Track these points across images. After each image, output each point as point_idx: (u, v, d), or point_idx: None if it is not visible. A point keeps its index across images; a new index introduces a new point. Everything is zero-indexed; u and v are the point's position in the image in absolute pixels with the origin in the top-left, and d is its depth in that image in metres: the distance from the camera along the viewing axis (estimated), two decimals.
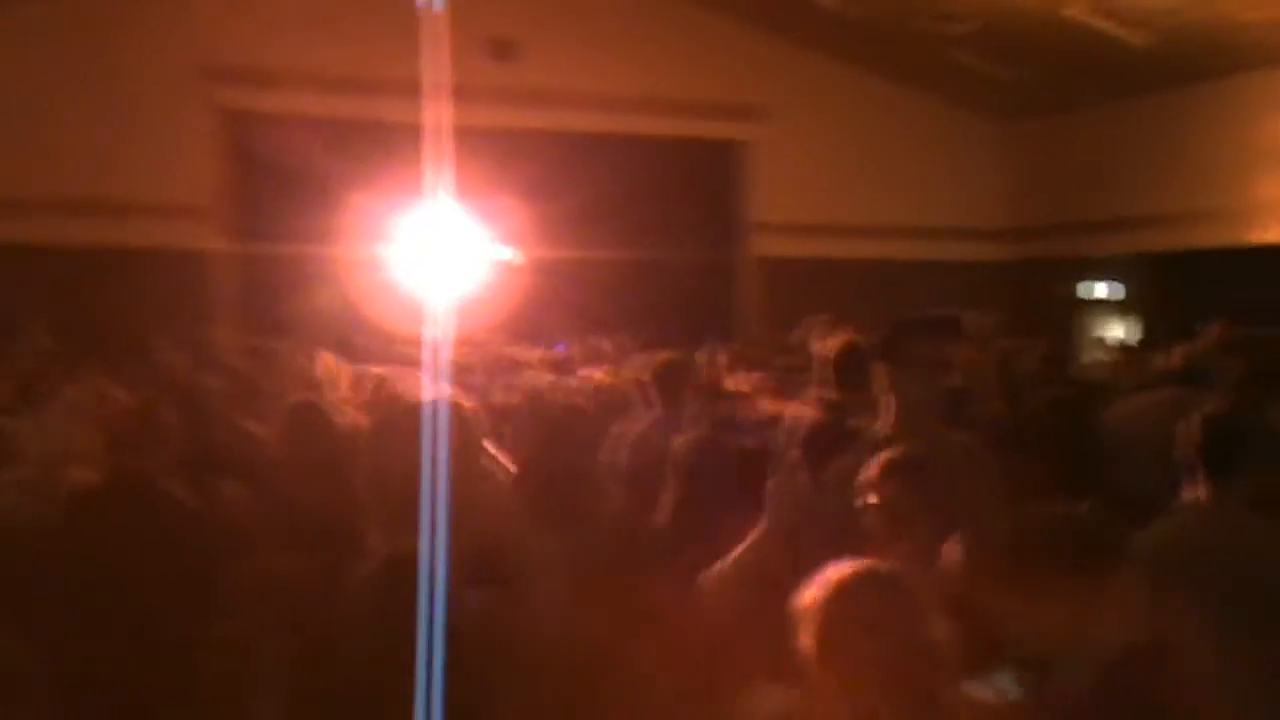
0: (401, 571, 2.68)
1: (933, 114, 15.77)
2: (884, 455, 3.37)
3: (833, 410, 4.65)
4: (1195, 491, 3.57)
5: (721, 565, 3.43)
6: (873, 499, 3.22)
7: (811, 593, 2.29)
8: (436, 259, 12.22)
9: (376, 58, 11.89)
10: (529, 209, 12.72)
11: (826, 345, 5.68)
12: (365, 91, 12.55)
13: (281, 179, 12.22)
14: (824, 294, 14.50)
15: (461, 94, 11.85)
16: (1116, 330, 14.57)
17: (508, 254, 13.14)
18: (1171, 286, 13.96)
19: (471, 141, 11.84)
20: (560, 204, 12.67)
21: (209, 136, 12.92)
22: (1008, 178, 15.90)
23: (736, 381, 7.21)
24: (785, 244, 15.15)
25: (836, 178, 15.28)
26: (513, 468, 4.33)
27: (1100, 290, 15.27)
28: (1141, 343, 12.33)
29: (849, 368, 5.11)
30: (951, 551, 2.46)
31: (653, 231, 14.59)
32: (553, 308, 12.96)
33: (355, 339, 10.63)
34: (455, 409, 3.94)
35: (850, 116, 15.35)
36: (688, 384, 5.78)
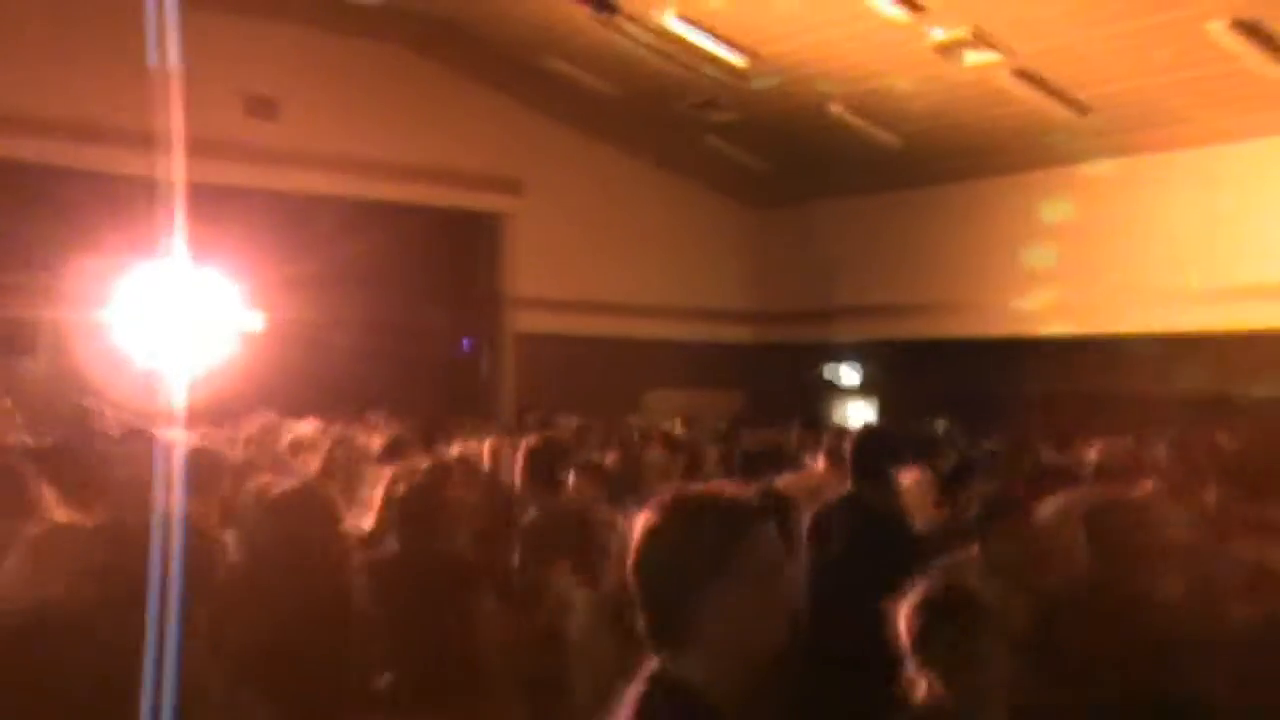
0: None
1: (687, 197, 16.13)
2: None
3: None
4: None
5: None
6: None
7: None
8: (173, 323, 11.48)
9: (116, 104, 11.12)
10: (283, 273, 12.14)
11: None
12: (99, 141, 11.66)
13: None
14: (576, 370, 14.57)
15: (213, 150, 11.40)
16: (854, 412, 15.18)
17: (254, 319, 12.46)
18: (904, 372, 14.70)
19: (223, 201, 11.36)
20: (316, 269, 12.15)
21: None
22: (756, 263, 16.41)
23: None
24: (540, 319, 15.07)
25: (591, 255, 15.35)
26: None
27: (839, 374, 15.90)
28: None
29: None
30: None
31: (411, 299, 14.26)
32: (301, 377, 12.37)
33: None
34: None
35: (607, 195, 15.50)
36: None
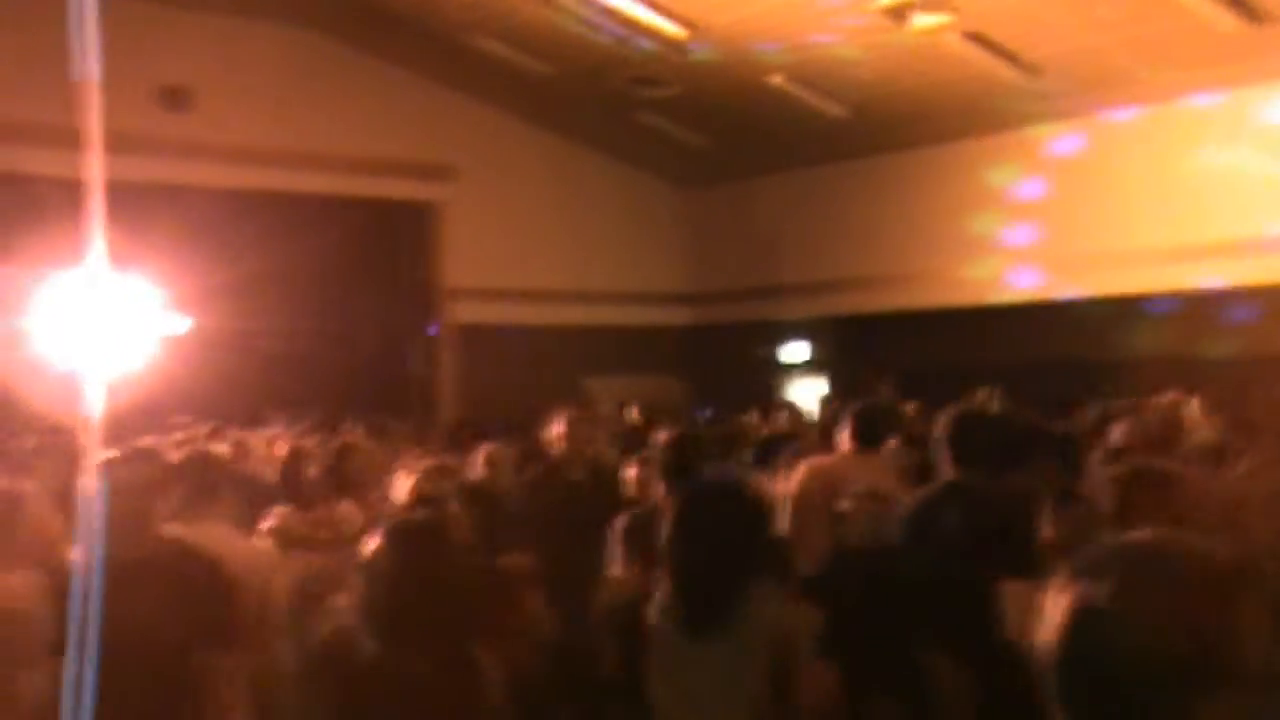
0: None
1: (624, 178, 15.72)
2: None
3: None
4: None
5: None
6: None
7: None
8: (92, 329, 10.82)
9: (23, 100, 10.44)
10: (204, 273, 11.49)
11: None
12: (4, 140, 10.95)
13: None
14: (511, 360, 14.13)
15: (126, 145, 10.75)
16: (802, 390, 14.89)
17: (179, 324, 11.82)
18: (854, 347, 14.46)
19: (139, 198, 10.71)
20: (240, 268, 11.53)
21: None
22: (696, 243, 16.07)
23: None
24: (474, 310, 14.59)
25: (525, 241, 14.89)
26: None
27: (786, 352, 15.60)
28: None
29: None
30: None
31: (341, 297, 13.69)
32: (230, 380, 11.76)
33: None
34: None
35: (541, 179, 15.04)
36: None
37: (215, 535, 3.84)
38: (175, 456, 5.50)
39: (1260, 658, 1.13)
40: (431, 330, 14.63)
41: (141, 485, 3.37)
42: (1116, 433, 5.32)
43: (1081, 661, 1.17)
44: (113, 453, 4.31)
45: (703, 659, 3.22)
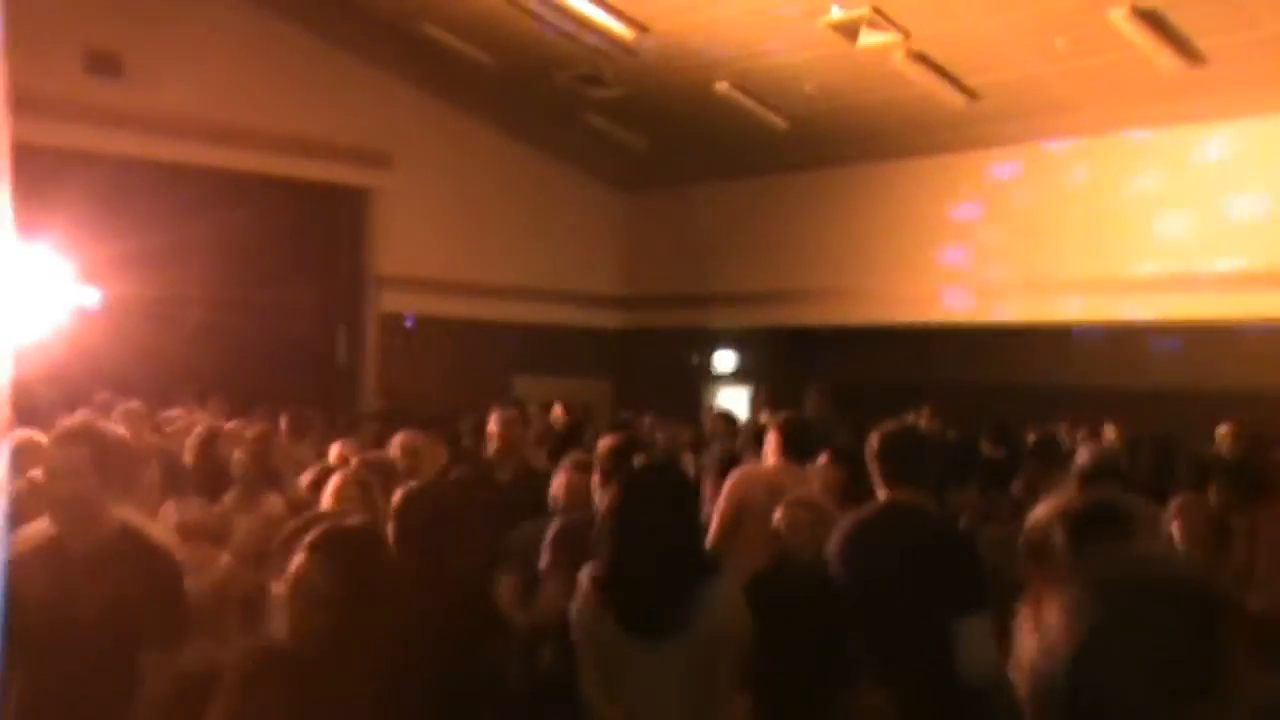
0: None
1: (561, 177, 15.55)
2: None
3: None
4: None
5: None
6: None
7: None
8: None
9: None
10: (125, 244, 11.10)
11: None
12: None
13: None
14: (447, 353, 13.94)
15: (48, 109, 10.38)
16: (731, 400, 14.85)
17: (89, 295, 11.41)
18: (785, 359, 14.48)
19: (60, 165, 10.33)
20: (164, 241, 11.16)
21: None
22: (631, 246, 15.96)
23: None
24: (403, 300, 14.35)
25: (458, 234, 14.66)
26: None
27: (717, 361, 15.56)
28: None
29: None
30: None
31: (268, 279, 13.35)
32: (147, 356, 11.38)
33: None
34: None
35: (478, 172, 14.81)
36: None
37: (142, 522, 3.62)
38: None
39: (1241, 679, 1.19)
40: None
41: (85, 467, 3.12)
42: (1068, 460, 5.31)
43: (1087, 682, 1.17)
44: (43, 432, 4.05)
45: (649, 659, 3.10)
